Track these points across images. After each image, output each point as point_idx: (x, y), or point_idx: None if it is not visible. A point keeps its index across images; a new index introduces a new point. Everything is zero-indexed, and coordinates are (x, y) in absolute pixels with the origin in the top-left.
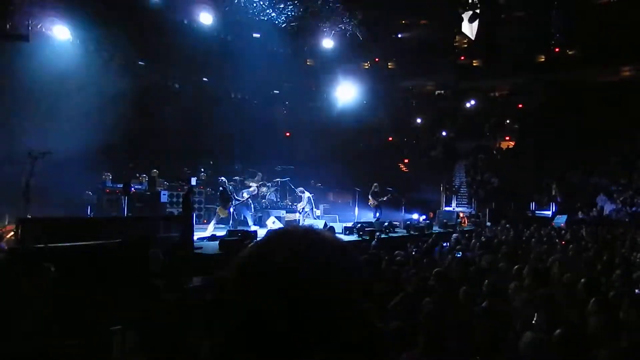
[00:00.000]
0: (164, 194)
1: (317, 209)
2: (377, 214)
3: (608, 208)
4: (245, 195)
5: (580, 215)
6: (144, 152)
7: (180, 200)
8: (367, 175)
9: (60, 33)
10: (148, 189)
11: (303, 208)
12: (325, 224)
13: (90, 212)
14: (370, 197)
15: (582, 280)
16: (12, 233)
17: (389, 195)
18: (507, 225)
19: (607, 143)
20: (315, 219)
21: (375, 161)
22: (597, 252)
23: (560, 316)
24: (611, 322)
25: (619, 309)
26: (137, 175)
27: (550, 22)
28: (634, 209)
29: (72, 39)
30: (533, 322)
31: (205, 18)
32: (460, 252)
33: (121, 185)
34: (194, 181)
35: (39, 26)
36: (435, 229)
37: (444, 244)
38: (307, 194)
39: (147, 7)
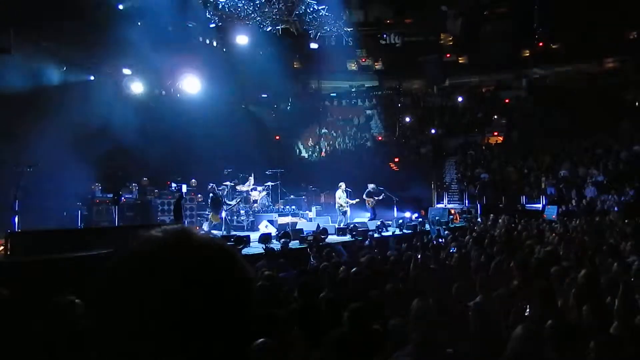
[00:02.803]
0: (155, 202)
1: (310, 210)
2: (373, 214)
3: (597, 198)
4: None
5: (570, 206)
6: (133, 160)
7: (172, 207)
8: (358, 175)
9: (43, 43)
10: (138, 198)
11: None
12: (318, 226)
13: (80, 223)
14: (365, 196)
15: (574, 271)
16: (1, 247)
17: (383, 194)
18: (500, 220)
19: (593, 134)
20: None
21: (365, 161)
22: (587, 243)
23: (553, 308)
24: (602, 312)
25: (611, 298)
26: (127, 184)
27: (532, 18)
28: (622, 198)
29: (56, 49)
30: (525, 315)
31: (191, 24)
32: (455, 248)
33: (111, 195)
34: (184, 188)
35: (21, 37)
36: (428, 226)
37: (440, 240)
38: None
39: (130, 15)
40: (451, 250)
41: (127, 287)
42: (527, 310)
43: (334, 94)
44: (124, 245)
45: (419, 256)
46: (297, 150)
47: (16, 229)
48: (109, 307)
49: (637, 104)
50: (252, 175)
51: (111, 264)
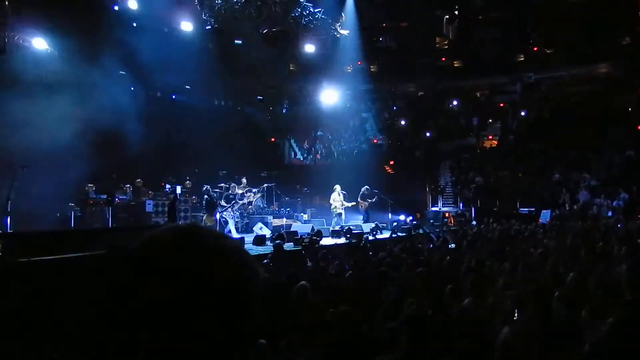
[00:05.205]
0: (149, 204)
1: (304, 213)
2: (366, 217)
3: (590, 203)
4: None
5: (564, 210)
6: (127, 161)
7: (166, 209)
8: (353, 178)
9: (38, 44)
10: (132, 199)
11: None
12: (313, 228)
13: (73, 225)
14: (359, 199)
15: (567, 274)
16: None
17: (376, 197)
18: (494, 223)
19: (586, 139)
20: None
21: (360, 163)
22: (580, 247)
23: (546, 311)
24: (594, 314)
25: (602, 300)
26: (121, 185)
27: (526, 22)
28: (614, 202)
29: (50, 50)
30: (514, 318)
31: (186, 26)
32: (453, 244)
33: (105, 196)
34: (178, 189)
35: (16, 38)
36: (422, 229)
37: (430, 245)
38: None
39: (127, 16)
40: (450, 247)
41: (134, 287)
42: (516, 313)
43: (330, 97)
44: (120, 246)
45: (412, 259)
46: (293, 153)
47: (8, 230)
48: (115, 305)
49: (630, 109)
50: (245, 178)
51: (117, 263)
